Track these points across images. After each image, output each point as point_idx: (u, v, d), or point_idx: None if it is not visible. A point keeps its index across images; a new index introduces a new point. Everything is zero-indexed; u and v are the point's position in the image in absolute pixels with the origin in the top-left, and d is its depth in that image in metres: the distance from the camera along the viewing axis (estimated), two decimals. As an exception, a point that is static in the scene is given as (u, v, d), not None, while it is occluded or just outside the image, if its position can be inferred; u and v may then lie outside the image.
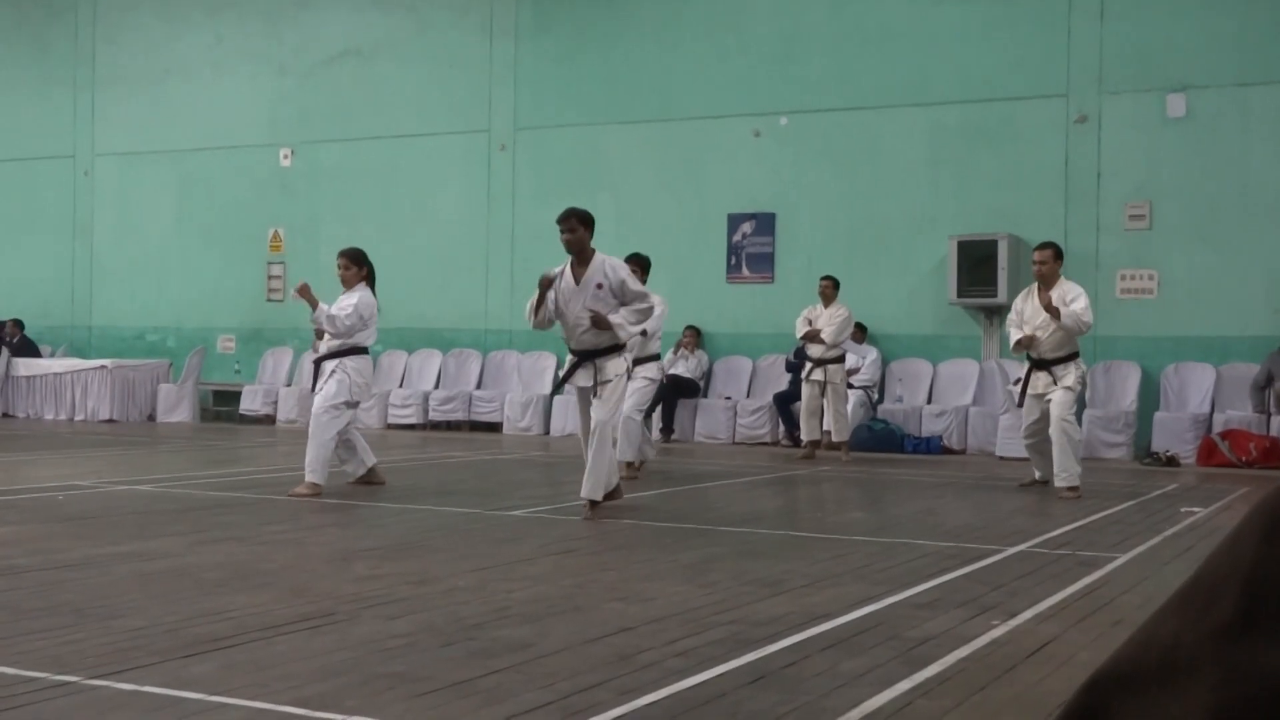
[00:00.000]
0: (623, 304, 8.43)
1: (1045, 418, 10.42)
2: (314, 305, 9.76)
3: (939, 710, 3.95)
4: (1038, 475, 10.89)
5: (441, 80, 18.80)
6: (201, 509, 8.72)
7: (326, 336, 9.92)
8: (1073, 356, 10.44)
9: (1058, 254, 10.53)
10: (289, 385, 18.71)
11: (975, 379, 15.71)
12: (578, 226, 8.45)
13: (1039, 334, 10.31)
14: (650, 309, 8.65)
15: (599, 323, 8.33)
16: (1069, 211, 15.31)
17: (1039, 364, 10.45)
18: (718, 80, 17.14)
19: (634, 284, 8.50)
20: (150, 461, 12.95)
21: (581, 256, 8.51)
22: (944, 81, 15.99)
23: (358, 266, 10.05)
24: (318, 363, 10.07)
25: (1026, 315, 10.47)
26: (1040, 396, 10.46)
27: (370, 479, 10.16)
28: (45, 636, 4.67)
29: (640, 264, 11.43)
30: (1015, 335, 10.48)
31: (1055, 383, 10.35)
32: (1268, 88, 14.60)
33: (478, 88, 18.60)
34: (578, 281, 8.44)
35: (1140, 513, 9.49)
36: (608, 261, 8.52)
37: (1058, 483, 10.24)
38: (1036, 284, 10.50)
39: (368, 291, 10.03)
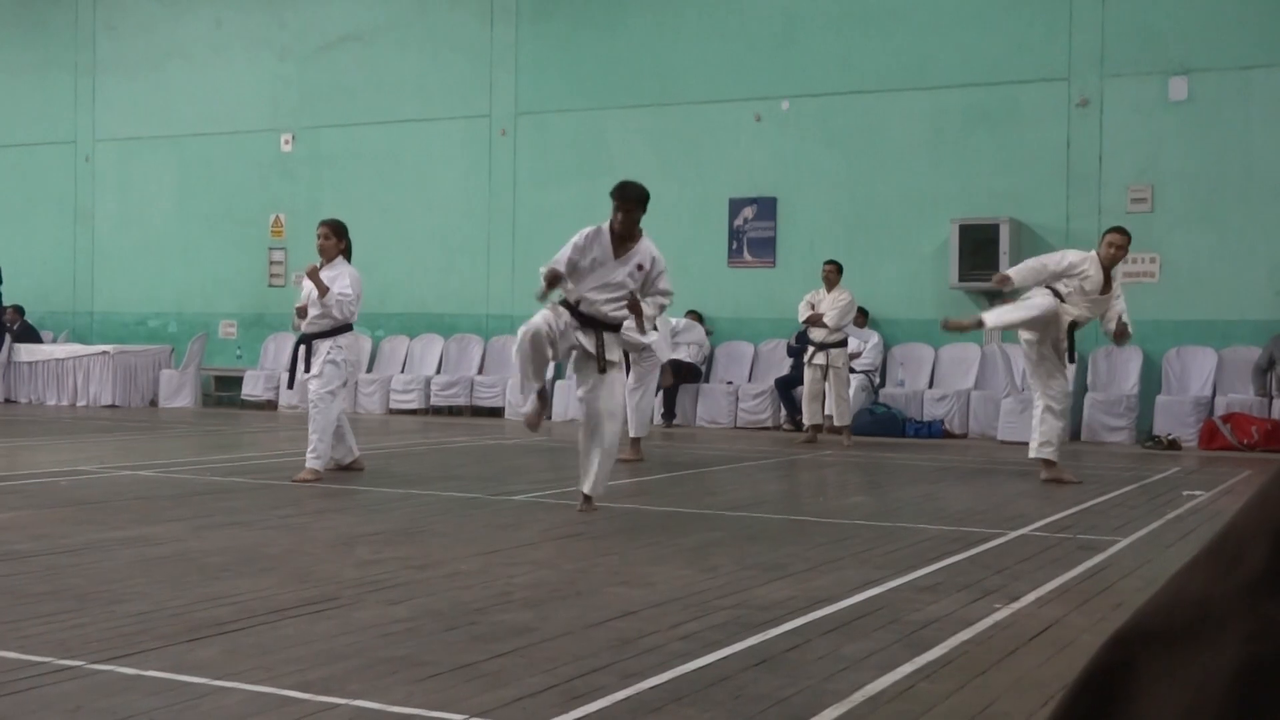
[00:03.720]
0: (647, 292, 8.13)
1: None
2: (324, 290, 9.61)
3: (941, 693, 3.96)
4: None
5: (442, 65, 18.77)
6: (204, 494, 8.73)
7: (310, 314, 9.75)
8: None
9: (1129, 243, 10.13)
10: (289, 367, 18.71)
11: (977, 363, 15.71)
12: (635, 209, 8.02)
13: (1090, 309, 10.00)
14: (668, 300, 8.39)
15: (634, 306, 8.02)
16: (1070, 195, 15.29)
17: (1072, 326, 10.07)
18: (719, 64, 17.11)
19: (665, 282, 8.21)
20: (152, 447, 12.97)
21: (629, 234, 8.08)
22: (946, 65, 15.96)
23: (338, 238, 9.89)
24: (307, 342, 9.88)
25: (1089, 287, 9.94)
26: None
27: (352, 466, 10.12)
28: (49, 621, 4.68)
29: None
30: (1016, 272, 10.10)
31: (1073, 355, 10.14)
32: (1269, 70, 14.57)
33: (478, 72, 18.57)
34: (617, 254, 8.01)
35: (1142, 496, 9.50)
36: (654, 249, 8.15)
37: (1033, 448, 10.15)
38: (1096, 256, 10.01)
39: (350, 265, 9.91)
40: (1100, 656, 0.71)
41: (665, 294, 8.25)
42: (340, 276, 9.77)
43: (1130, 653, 0.70)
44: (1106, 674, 0.70)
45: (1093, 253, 10.09)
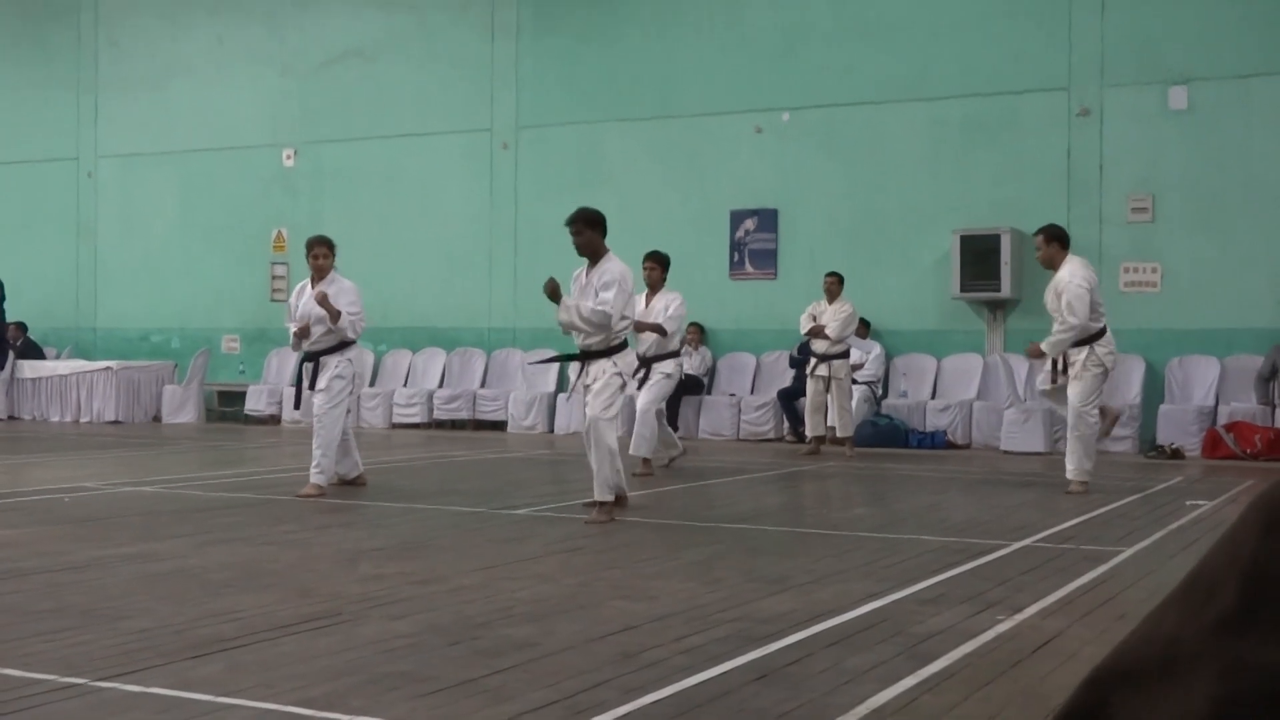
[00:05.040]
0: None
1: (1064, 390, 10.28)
2: (336, 315, 9.55)
3: (944, 706, 3.96)
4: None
5: (443, 79, 18.80)
6: (207, 510, 8.73)
7: (316, 333, 9.67)
8: (1086, 341, 10.11)
9: (1049, 238, 10.24)
10: (294, 385, 18.73)
11: (979, 373, 15.70)
12: (584, 229, 8.28)
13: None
14: (606, 320, 8.22)
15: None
16: (1071, 205, 15.30)
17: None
18: (719, 77, 17.13)
19: (616, 300, 8.15)
20: (155, 463, 12.97)
21: (595, 258, 8.33)
22: (945, 75, 15.98)
23: (334, 254, 9.92)
24: (313, 359, 9.82)
25: (1048, 301, 10.24)
26: (1057, 376, 10.30)
27: (356, 481, 10.10)
28: (52, 638, 4.68)
29: (659, 262, 11.47)
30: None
31: (1065, 369, 10.16)
32: (1269, 79, 14.58)
33: (480, 87, 18.60)
34: (589, 277, 8.30)
35: (1145, 506, 9.49)
36: (614, 270, 8.27)
37: (1067, 475, 10.21)
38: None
39: (345, 279, 9.89)
40: (1076, 697, 0.72)
41: (602, 303, 8.20)
42: (343, 293, 9.75)
43: (1105, 693, 0.71)
44: (1082, 715, 0.71)
45: None
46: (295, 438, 15.08)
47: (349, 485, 10.02)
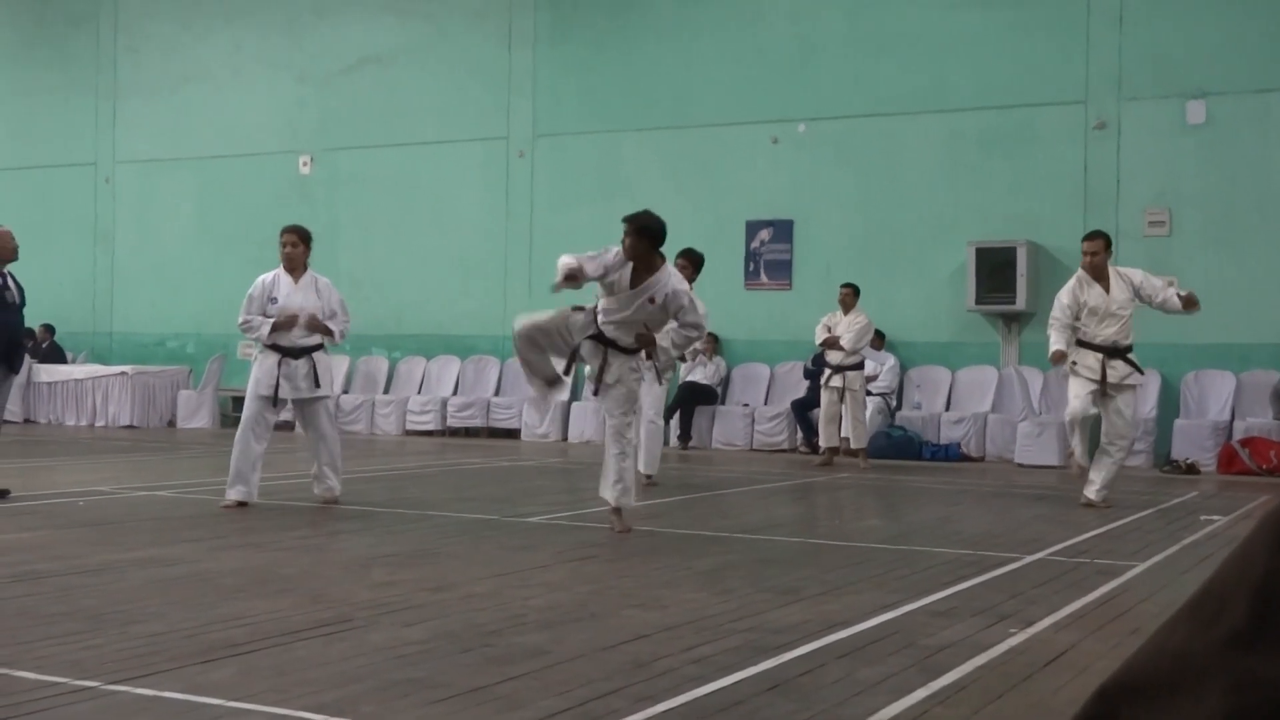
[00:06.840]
0: (674, 319, 7.97)
1: (1099, 403, 9.88)
2: (329, 331, 9.27)
3: (955, 718, 3.95)
4: (1077, 454, 10.11)
5: (460, 88, 18.85)
6: (220, 515, 8.75)
7: (300, 326, 9.32)
8: (1134, 363, 9.98)
9: (1108, 243, 10.11)
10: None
11: (994, 386, 15.67)
12: (635, 235, 7.71)
13: (1109, 325, 9.82)
14: (700, 333, 8.27)
15: (644, 340, 7.90)
16: (1088, 218, 15.25)
17: (1113, 351, 9.86)
18: (735, 87, 17.15)
19: (693, 313, 7.89)
20: (169, 467, 13.01)
21: (643, 264, 7.78)
22: (962, 88, 15.97)
23: (305, 245, 9.46)
24: (298, 355, 9.42)
25: (1092, 304, 9.82)
26: (1109, 384, 9.83)
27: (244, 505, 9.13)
28: (64, 641, 4.70)
29: (692, 261, 10.73)
30: (1058, 342, 9.77)
31: (1120, 378, 9.81)
32: (1288, 94, 14.55)
33: (496, 95, 18.65)
34: (633, 284, 7.79)
35: (1160, 521, 9.46)
36: (673, 281, 7.84)
37: (1091, 493, 10.02)
38: (1083, 275, 9.95)
39: (322, 277, 9.56)
40: (1085, 710, 0.72)
41: (692, 326, 8.02)
42: (327, 294, 9.42)
43: (1114, 705, 0.71)
44: None
45: (1077, 274, 10.07)
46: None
47: (244, 507, 9.04)
